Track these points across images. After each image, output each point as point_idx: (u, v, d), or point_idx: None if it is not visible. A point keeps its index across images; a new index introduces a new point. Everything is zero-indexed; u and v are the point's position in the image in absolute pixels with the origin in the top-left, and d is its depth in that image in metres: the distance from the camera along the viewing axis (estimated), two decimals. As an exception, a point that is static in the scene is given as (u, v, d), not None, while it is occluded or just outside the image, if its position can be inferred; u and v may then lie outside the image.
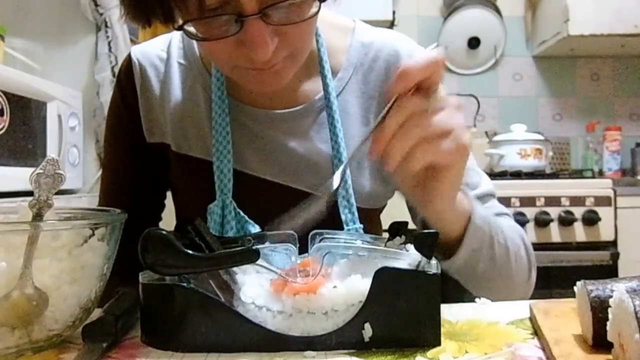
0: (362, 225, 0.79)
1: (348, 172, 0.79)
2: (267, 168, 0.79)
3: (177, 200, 0.88)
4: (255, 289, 0.53)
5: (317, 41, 0.81)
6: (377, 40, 0.84)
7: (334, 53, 0.82)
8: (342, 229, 0.78)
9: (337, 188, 0.60)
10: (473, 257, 0.70)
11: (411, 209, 0.90)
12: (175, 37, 0.84)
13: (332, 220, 0.78)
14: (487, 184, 0.85)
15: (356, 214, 0.79)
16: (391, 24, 2.39)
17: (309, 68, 0.81)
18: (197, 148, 0.79)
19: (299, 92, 0.81)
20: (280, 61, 0.66)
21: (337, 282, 0.54)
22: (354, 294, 0.53)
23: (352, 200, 0.78)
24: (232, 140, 0.77)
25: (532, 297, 0.68)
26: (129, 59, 0.83)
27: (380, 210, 0.90)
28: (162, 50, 0.83)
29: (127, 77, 0.83)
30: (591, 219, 1.90)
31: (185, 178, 0.82)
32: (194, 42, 0.82)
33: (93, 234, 0.55)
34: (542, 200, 1.93)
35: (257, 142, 0.79)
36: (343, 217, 0.78)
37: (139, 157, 0.84)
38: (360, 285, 0.53)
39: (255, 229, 0.76)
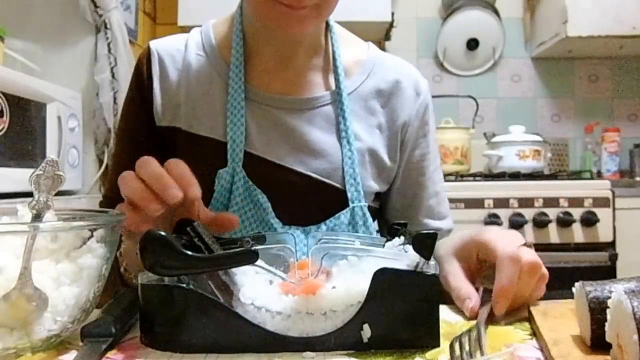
0: (366, 203, 0.83)
1: (356, 154, 0.83)
2: (274, 150, 0.82)
3: None
4: (254, 290, 0.54)
5: (333, 44, 0.88)
6: (389, 61, 0.92)
7: (350, 61, 0.88)
8: (347, 206, 0.81)
9: None
10: None
11: (386, 221, 0.94)
12: (192, 36, 0.89)
13: (339, 198, 0.82)
14: (448, 221, 0.93)
15: (362, 192, 0.82)
16: (390, 26, 2.39)
17: (324, 64, 0.88)
18: (207, 128, 0.82)
19: (314, 84, 0.86)
20: (309, 6, 0.73)
21: (337, 282, 0.54)
22: (353, 294, 0.53)
23: (359, 179, 0.82)
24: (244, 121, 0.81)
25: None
26: (147, 48, 0.88)
27: (376, 210, 0.91)
28: (179, 44, 0.88)
29: (145, 64, 0.86)
30: (589, 220, 1.90)
31: (193, 158, 0.83)
32: (212, 37, 0.87)
33: (92, 236, 0.55)
34: (541, 201, 1.93)
35: (267, 123, 0.83)
36: (349, 194, 0.82)
37: (148, 141, 0.86)
38: (359, 286, 0.53)
39: (263, 198, 0.79)
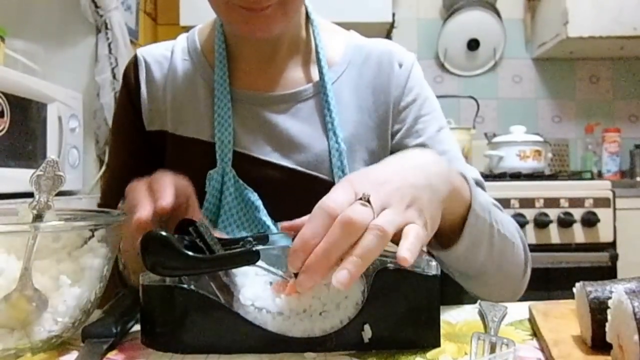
0: None
1: (343, 145, 0.82)
2: (260, 147, 0.83)
3: None
4: (254, 291, 0.53)
5: (315, 37, 0.87)
6: (371, 43, 0.91)
7: (331, 51, 0.88)
8: None
9: None
10: (473, 246, 0.68)
11: None
12: (178, 42, 0.90)
13: (327, 190, 0.79)
14: (473, 172, 0.85)
15: None
16: (391, 26, 2.39)
17: (307, 57, 0.88)
18: (193, 129, 0.84)
19: (297, 78, 0.87)
20: (272, 6, 0.72)
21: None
22: (335, 290, 0.52)
23: (347, 170, 0.82)
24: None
25: (531, 299, 0.67)
26: (135, 57, 0.90)
27: None
28: (166, 50, 0.90)
29: (133, 71, 0.88)
30: (590, 221, 1.90)
31: (182, 160, 0.84)
32: (197, 41, 0.89)
33: (93, 236, 0.55)
34: (542, 201, 1.93)
35: (253, 122, 0.84)
36: None
37: (139, 146, 0.87)
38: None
39: (254, 196, 0.80)
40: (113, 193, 0.88)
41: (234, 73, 0.85)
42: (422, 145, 0.85)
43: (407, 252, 0.48)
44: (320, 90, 0.85)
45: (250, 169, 0.81)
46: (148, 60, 0.88)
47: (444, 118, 0.90)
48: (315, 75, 0.86)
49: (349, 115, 0.85)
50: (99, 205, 0.91)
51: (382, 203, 0.52)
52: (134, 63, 0.89)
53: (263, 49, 0.85)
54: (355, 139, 0.84)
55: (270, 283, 0.56)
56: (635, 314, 0.42)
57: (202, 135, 0.83)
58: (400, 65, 0.88)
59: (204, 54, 0.87)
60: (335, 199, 0.51)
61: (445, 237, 0.68)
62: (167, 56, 0.88)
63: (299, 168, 0.82)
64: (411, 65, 0.89)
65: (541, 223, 1.90)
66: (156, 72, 0.87)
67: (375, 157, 0.86)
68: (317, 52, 0.86)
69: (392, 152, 0.87)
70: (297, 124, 0.84)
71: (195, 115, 0.84)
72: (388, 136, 0.87)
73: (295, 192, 0.81)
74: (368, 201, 0.50)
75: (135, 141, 0.87)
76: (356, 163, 0.84)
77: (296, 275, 0.50)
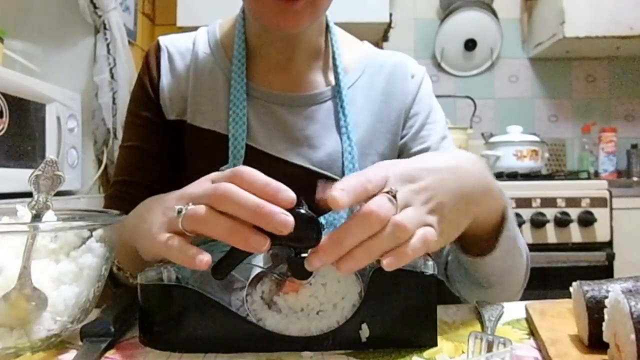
0: None
1: (355, 149, 0.84)
2: (274, 144, 0.84)
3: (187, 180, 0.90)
4: (267, 285, 0.54)
5: (333, 45, 0.90)
6: (384, 54, 0.95)
7: (347, 59, 0.91)
8: None
9: None
10: (504, 256, 0.68)
11: None
12: (199, 35, 0.91)
13: None
14: None
15: None
16: (388, 26, 2.39)
17: (324, 63, 0.90)
18: (210, 121, 0.84)
19: (314, 82, 0.88)
20: (302, 2, 0.74)
21: (315, 280, 0.53)
22: (338, 292, 0.53)
23: None
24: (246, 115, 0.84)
25: (528, 298, 0.68)
26: (157, 44, 0.90)
27: None
28: (188, 42, 0.90)
29: (155, 57, 0.89)
30: (587, 220, 1.90)
31: (198, 152, 0.85)
32: (217, 36, 0.90)
33: (91, 236, 0.55)
34: (538, 201, 1.94)
35: (268, 119, 0.85)
36: None
37: (158, 130, 0.87)
38: (338, 284, 0.53)
39: None
40: (132, 168, 0.87)
41: (252, 71, 0.87)
42: (425, 150, 0.87)
43: (393, 258, 0.49)
44: (335, 95, 0.87)
45: (262, 165, 0.80)
46: (170, 49, 0.89)
47: (448, 130, 0.93)
48: (331, 80, 0.89)
49: (362, 120, 0.87)
50: (117, 182, 0.88)
51: (407, 200, 0.52)
52: (157, 50, 0.89)
53: (282, 51, 0.87)
54: (367, 143, 0.86)
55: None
56: (631, 313, 0.42)
57: (218, 128, 0.83)
58: (413, 76, 0.92)
59: (224, 48, 0.88)
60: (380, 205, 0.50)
61: (477, 244, 0.67)
62: (189, 48, 0.89)
63: (311, 167, 0.83)
64: (422, 77, 0.93)
65: (538, 223, 1.91)
66: (179, 63, 0.88)
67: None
68: (334, 59, 0.89)
69: (398, 157, 0.89)
70: (312, 125, 0.85)
71: (214, 106, 0.85)
72: (398, 141, 0.89)
73: (305, 190, 0.82)
74: (394, 197, 0.51)
75: (156, 122, 0.87)
76: (367, 166, 0.84)
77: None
